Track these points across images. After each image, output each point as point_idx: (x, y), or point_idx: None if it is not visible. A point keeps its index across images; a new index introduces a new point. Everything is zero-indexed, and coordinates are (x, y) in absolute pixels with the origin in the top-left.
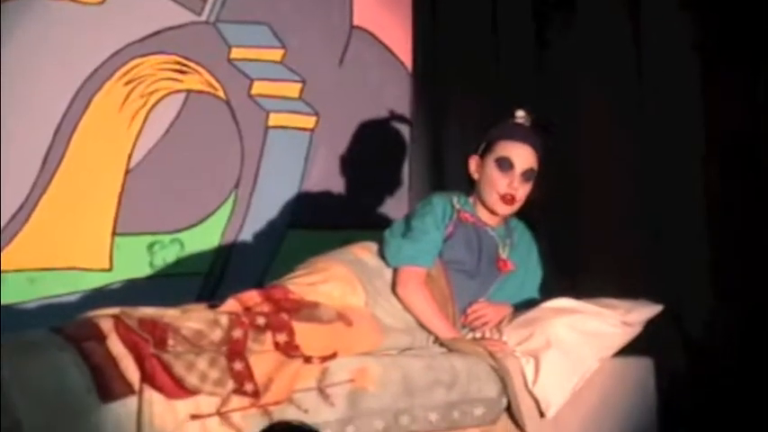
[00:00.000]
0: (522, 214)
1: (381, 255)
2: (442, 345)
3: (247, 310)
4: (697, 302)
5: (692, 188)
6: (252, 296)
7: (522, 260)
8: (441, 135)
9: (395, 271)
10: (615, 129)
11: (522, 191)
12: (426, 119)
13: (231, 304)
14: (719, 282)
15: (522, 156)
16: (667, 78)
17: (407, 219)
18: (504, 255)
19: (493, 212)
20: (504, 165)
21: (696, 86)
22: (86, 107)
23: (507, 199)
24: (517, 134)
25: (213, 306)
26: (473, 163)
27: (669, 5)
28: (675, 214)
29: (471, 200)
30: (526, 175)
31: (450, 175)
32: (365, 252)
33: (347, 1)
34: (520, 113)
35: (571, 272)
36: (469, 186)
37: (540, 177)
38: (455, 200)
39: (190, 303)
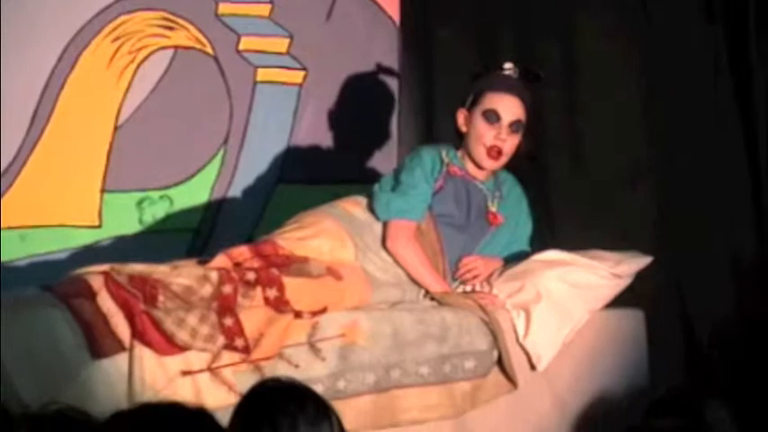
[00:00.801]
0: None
1: (371, 209)
2: (432, 299)
3: (237, 265)
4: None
5: (700, 146)
6: (242, 251)
7: (512, 213)
8: (429, 88)
9: (385, 225)
10: (617, 78)
11: (509, 143)
12: (414, 72)
13: (221, 260)
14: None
15: (509, 107)
16: (673, 23)
17: (396, 172)
18: (493, 208)
19: (480, 167)
20: (491, 117)
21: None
22: (74, 64)
23: (493, 153)
24: (504, 85)
25: (203, 262)
26: (461, 116)
27: None
28: (680, 172)
29: (460, 153)
30: (513, 127)
31: (438, 129)
32: (354, 206)
33: None
34: (507, 65)
35: (565, 226)
36: (458, 140)
37: (529, 129)
38: (444, 153)
39: (179, 260)
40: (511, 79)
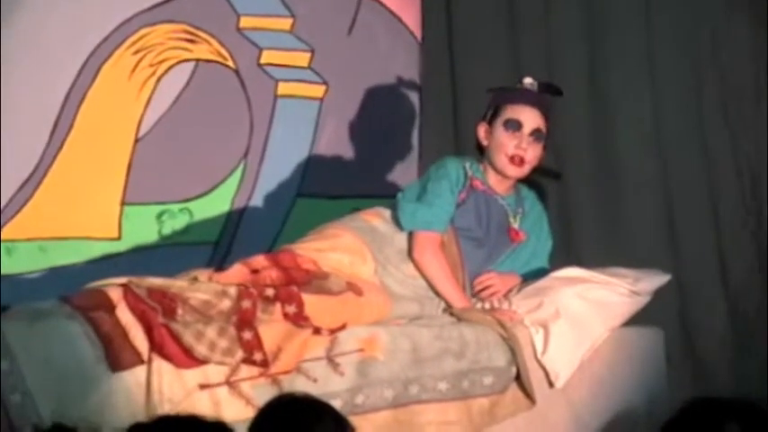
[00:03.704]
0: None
1: (393, 219)
2: (451, 314)
3: (255, 273)
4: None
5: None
6: (259, 260)
7: (534, 230)
8: (450, 102)
9: (410, 235)
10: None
11: (531, 152)
12: (435, 86)
13: (238, 268)
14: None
15: (530, 117)
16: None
17: (422, 182)
18: (515, 225)
19: (504, 176)
20: (512, 125)
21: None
22: (95, 76)
23: (516, 160)
24: (524, 98)
25: (220, 270)
26: (481, 129)
27: None
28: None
29: (482, 167)
30: (534, 136)
31: (460, 143)
32: (376, 218)
33: None
34: (527, 80)
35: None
36: (479, 155)
37: (550, 143)
38: (467, 165)
39: (196, 269)
40: (531, 92)
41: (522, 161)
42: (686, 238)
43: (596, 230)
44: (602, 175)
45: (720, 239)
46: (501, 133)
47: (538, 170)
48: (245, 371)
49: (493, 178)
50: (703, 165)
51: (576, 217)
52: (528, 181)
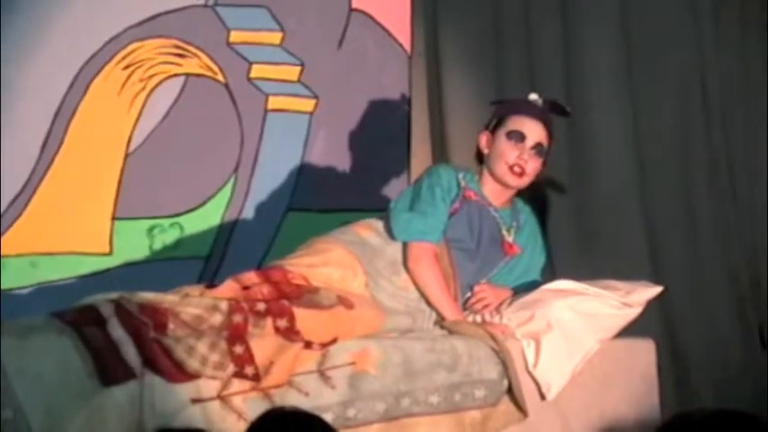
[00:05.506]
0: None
1: (386, 230)
2: (442, 327)
3: (246, 289)
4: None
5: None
6: (250, 277)
7: (528, 243)
8: (440, 116)
9: (405, 245)
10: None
11: (531, 164)
12: (426, 100)
13: (229, 284)
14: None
15: (534, 130)
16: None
17: (414, 190)
18: (509, 238)
19: (503, 184)
20: (515, 136)
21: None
22: (85, 91)
23: (516, 171)
24: (530, 111)
25: (211, 286)
26: (483, 138)
27: None
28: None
29: (477, 177)
30: (536, 149)
31: (449, 156)
32: (368, 230)
33: None
34: (533, 96)
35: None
36: (477, 164)
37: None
38: (461, 176)
39: (188, 285)
40: (536, 106)
41: (522, 172)
42: (666, 251)
43: (574, 244)
44: (580, 188)
45: (700, 250)
46: (503, 143)
47: (541, 183)
48: (237, 385)
49: (490, 190)
50: (683, 177)
51: (553, 230)
52: (525, 195)
